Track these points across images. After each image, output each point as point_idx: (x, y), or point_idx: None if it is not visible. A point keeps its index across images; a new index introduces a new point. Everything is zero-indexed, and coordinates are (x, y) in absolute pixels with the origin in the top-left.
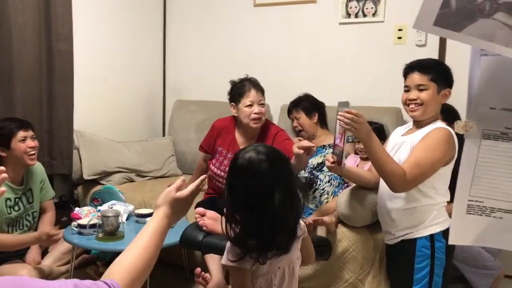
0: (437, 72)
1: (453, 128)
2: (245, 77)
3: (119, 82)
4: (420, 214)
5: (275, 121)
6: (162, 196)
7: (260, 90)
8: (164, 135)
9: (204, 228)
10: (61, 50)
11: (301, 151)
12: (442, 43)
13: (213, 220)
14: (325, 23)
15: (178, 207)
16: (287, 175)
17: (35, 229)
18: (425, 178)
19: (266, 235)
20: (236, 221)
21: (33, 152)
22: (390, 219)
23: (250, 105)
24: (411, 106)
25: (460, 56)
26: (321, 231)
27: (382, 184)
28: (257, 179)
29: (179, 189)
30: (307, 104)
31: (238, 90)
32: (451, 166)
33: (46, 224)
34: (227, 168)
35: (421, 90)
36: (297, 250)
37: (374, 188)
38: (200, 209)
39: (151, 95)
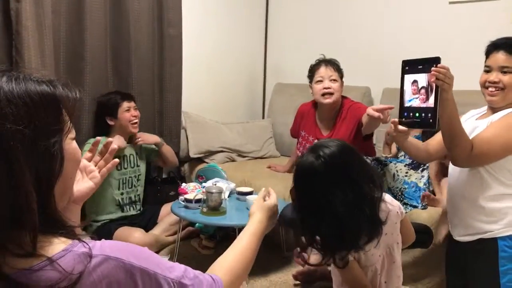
0: None
1: None
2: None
3: (223, 66)
4: (500, 206)
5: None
6: (254, 204)
7: (332, 66)
8: (263, 117)
9: None
10: (172, 35)
11: (377, 114)
12: None
13: None
14: (434, 3)
15: (269, 213)
16: (351, 171)
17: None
18: (493, 157)
19: (332, 237)
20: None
21: (136, 121)
22: (466, 209)
23: (320, 81)
24: (490, 89)
25: None
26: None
27: (455, 169)
28: (312, 180)
29: (265, 198)
30: None
31: (311, 70)
32: None
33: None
34: None
35: (504, 72)
36: (395, 234)
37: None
38: None
39: (252, 79)
